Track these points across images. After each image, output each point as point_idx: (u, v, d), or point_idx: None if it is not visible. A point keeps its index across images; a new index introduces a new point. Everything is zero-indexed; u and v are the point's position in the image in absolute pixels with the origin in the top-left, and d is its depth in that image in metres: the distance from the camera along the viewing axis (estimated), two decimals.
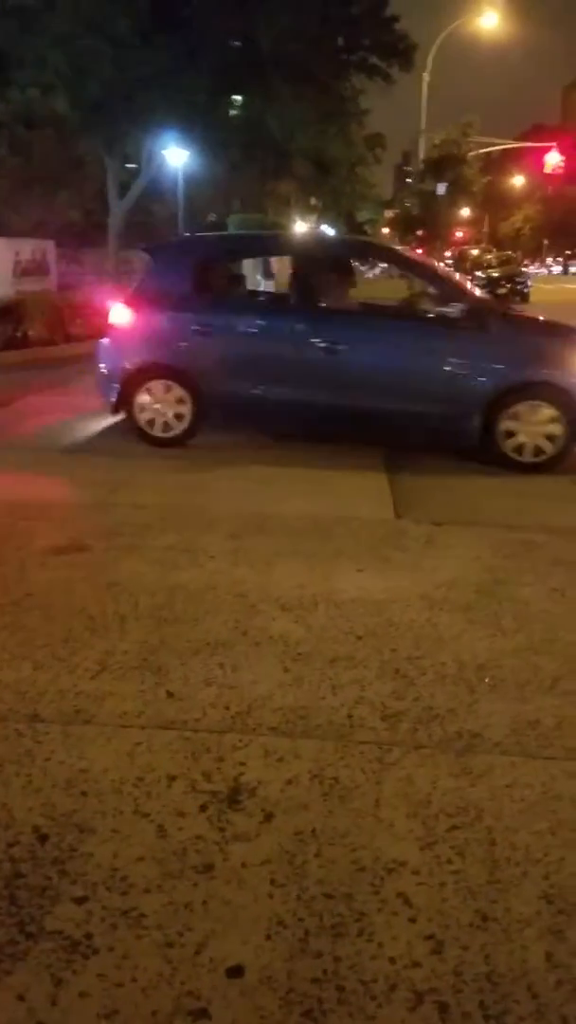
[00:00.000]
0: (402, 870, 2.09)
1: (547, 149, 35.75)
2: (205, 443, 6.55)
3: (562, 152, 34.28)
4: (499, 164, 45.61)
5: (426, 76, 36.18)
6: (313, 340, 6.16)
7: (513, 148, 39.63)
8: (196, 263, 6.64)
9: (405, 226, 40.06)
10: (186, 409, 6.45)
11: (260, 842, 2.18)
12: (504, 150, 39.56)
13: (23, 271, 13.19)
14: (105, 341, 6.76)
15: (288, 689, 2.93)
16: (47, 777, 2.43)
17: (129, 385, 6.49)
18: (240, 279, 8.49)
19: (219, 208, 35.21)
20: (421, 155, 38.89)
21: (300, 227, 40.65)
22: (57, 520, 4.71)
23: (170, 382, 6.44)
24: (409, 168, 46.15)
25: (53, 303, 12.86)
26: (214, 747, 2.58)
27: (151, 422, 6.50)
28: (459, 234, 35.36)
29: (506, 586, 3.88)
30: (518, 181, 45.61)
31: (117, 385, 6.52)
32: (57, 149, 14.23)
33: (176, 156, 29.36)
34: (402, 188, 51.47)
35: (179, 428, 6.50)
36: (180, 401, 6.45)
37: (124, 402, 6.54)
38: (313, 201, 41.50)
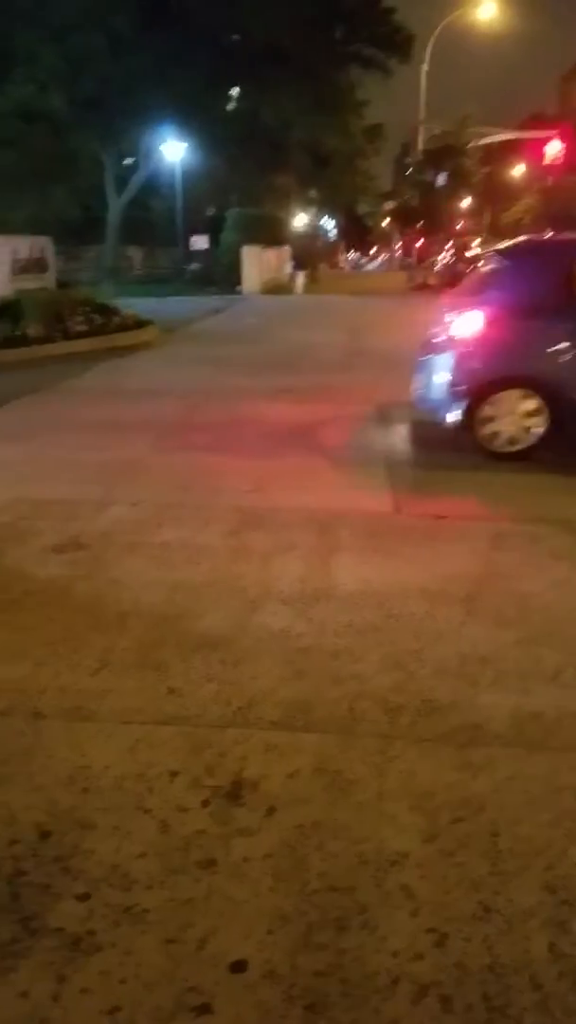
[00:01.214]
0: (405, 863, 2.09)
1: (547, 139, 35.60)
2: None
3: (563, 140, 34.13)
4: (499, 154, 45.43)
5: (424, 67, 36.07)
6: None
7: (513, 138, 39.46)
8: (564, 265, 6.03)
9: (405, 218, 39.90)
10: (538, 422, 5.99)
11: (262, 836, 2.18)
12: (503, 140, 39.39)
13: (22, 268, 13.16)
14: (444, 353, 6.25)
15: (289, 683, 2.93)
16: (48, 774, 2.43)
17: (477, 397, 6.04)
18: None
19: (217, 202, 35.11)
20: (420, 146, 38.76)
21: (300, 220, 40.59)
22: None
23: (527, 392, 5.98)
24: (409, 160, 45.90)
25: (51, 300, 12.83)
26: (215, 742, 2.58)
27: (494, 435, 6.08)
28: (460, 226, 35.21)
29: (507, 579, 3.87)
30: (518, 171, 45.40)
31: (462, 398, 6.04)
32: (53, 144, 14.20)
33: (173, 151, 29.30)
34: (402, 180, 51.28)
35: (527, 442, 6.05)
36: (533, 414, 6.00)
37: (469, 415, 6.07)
38: (312, 193, 41.39)
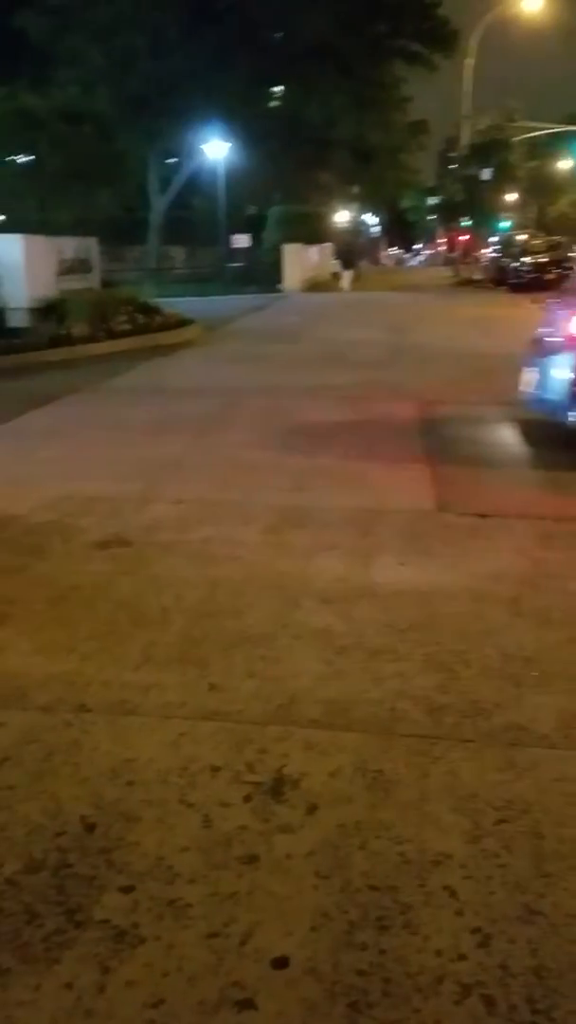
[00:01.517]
0: (448, 863, 2.08)
1: None
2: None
3: None
4: (545, 148, 44.82)
5: (469, 61, 35.72)
6: None
7: (560, 131, 38.90)
8: None
9: (449, 213, 39.57)
10: None
11: (304, 834, 2.18)
12: (550, 133, 38.86)
13: (67, 269, 13.32)
14: (565, 353, 6.04)
15: (330, 682, 2.92)
16: (94, 766, 2.46)
17: None
18: None
19: (259, 200, 35.17)
20: (464, 141, 38.42)
21: (342, 216, 40.45)
22: None
23: None
24: (453, 154, 45.52)
25: (96, 300, 12.98)
26: (257, 738, 2.59)
27: None
28: (504, 222, 34.79)
29: (553, 579, 3.82)
30: (565, 164, 44.75)
31: None
32: (98, 146, 14.35)
33: (216, 149, 29.39)
34: (446, 175, 50.89)
35: None
36: None
37: None
38: (354, 190, 41.25)
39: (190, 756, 2.51)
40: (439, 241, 51.15)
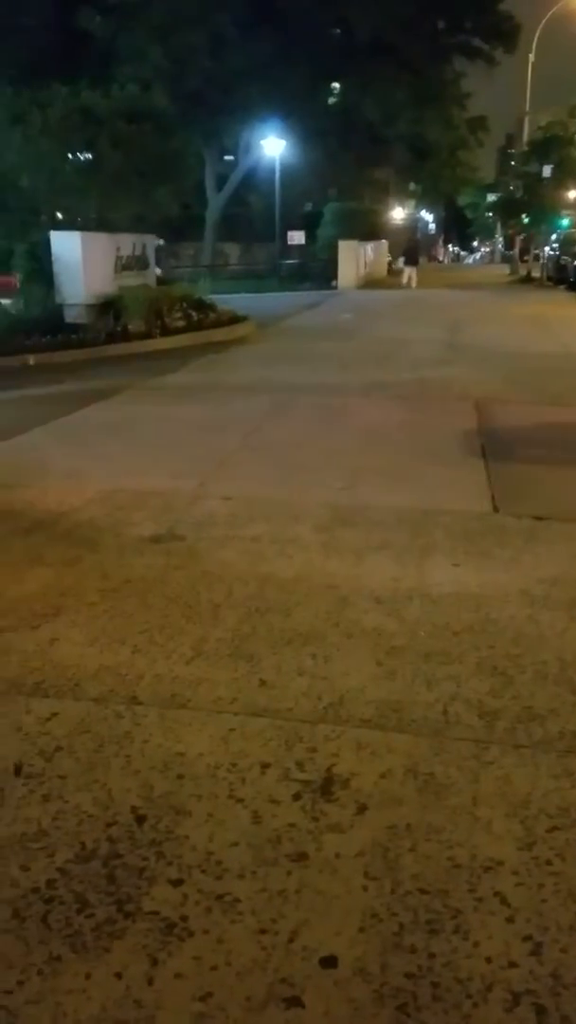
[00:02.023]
0: (500, 869, 2.05)
1: None
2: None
3: None
4: None
5: (531, 57, 35.21)
6: None
7: None
8: None
9: (508, 210, 39.02)
10: None
11: (354, 834, 2.17)
12: None
13: (124, 266, 13.46)
14: None
15: (381, 682, 2.91)
16: (145, 759, 2.48)
17: None
18: None
19: (315, 197, 35.12)
20: (525, 137, 37.86)
21: (398, 213, 40.18)
22: None
23: None
24: (513, 151, 44.89)
25: (151, 297, 13.09)
26: (307, 736, 2.59)
27: None
28: (564, 220, 34.12)
29: None
30: None
31: None
32: (156, 144, 14.47)
33: (273, 146, 29.44)
34: (505, 171, 50.21)
35: None
36: None
37: None
38: (412, 186, 40.94)
39: (240, 752, 2.52)
40: (497, 238, 50.46)
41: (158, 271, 16.17)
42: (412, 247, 31.54)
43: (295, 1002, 1.70)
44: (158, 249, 15.38)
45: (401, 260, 31.49)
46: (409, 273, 28.88)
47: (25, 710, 2.73)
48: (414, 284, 28.12)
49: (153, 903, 1.95)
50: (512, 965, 1.79)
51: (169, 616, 3.42)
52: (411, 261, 29.88)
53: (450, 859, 2.08)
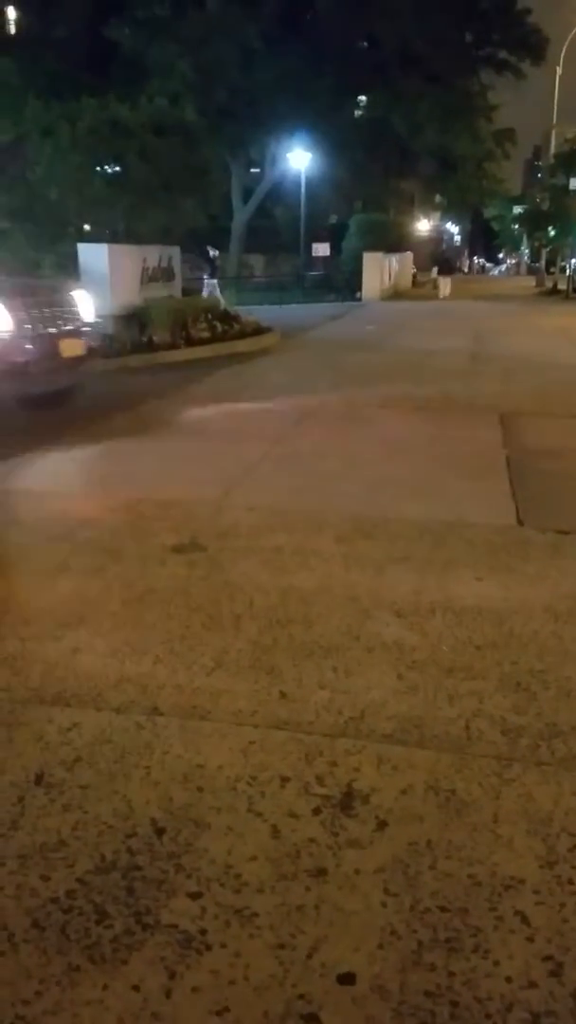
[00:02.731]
0: (521, 888, 2.03)
1: None
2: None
3: None
4: None
5: (558, 69, 35.17)
6: None
7: None
8: None
9: (534, 221, 38.89)
10: None
11: (374, 850, 2.16)
12: None
13: (150, 278, 13.57)
14: None
15: (402, 697, 2.89)
16: (165, 770, 2.48)
17: None
18: None
19: (340, 209, 35.22)
20: (552, 150, 37.77)
21: (424, 225, 40.17)
22: None
23: None
24: (540, 163, 44.82)
25: (176, 308, 13.19)
26: (327, 751, 2.58)
27: None
28: None
29: None
30: None
31: None
32: (183, 156, 14.60)
33: (299, 159, 29.57)
34: (532, 183, 50.12)
35: None
36: None
37: None
38: (438, 198, 40.94)
39: (260, 765, 2.51)
40: (523, 250, 50.30)
41: (214, 282, 16.25)
42: (445, 258, 32.05)
43: (312, 1019, 1.69)
44: (184, 260, 15.47)
45: (435, 270, 31.87)
46: (443, 282, 29.29)
47: (47, 719, 2.74)
48: (447, 292, 28.59)
49: (172, 915, 1.95)
50: (532, 985, 1.77)
51: (191, 626, 3.42)
52: (445, 271, 30.31)
53: (470, 877, 2.07)
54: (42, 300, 7.59)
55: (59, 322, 7.65)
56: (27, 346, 7.18)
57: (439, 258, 32.49)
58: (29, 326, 7.24)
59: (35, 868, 2.09)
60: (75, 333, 7.87)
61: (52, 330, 7.53)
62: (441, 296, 28.55)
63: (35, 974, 1.79)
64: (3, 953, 1.84)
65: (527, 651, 3.21)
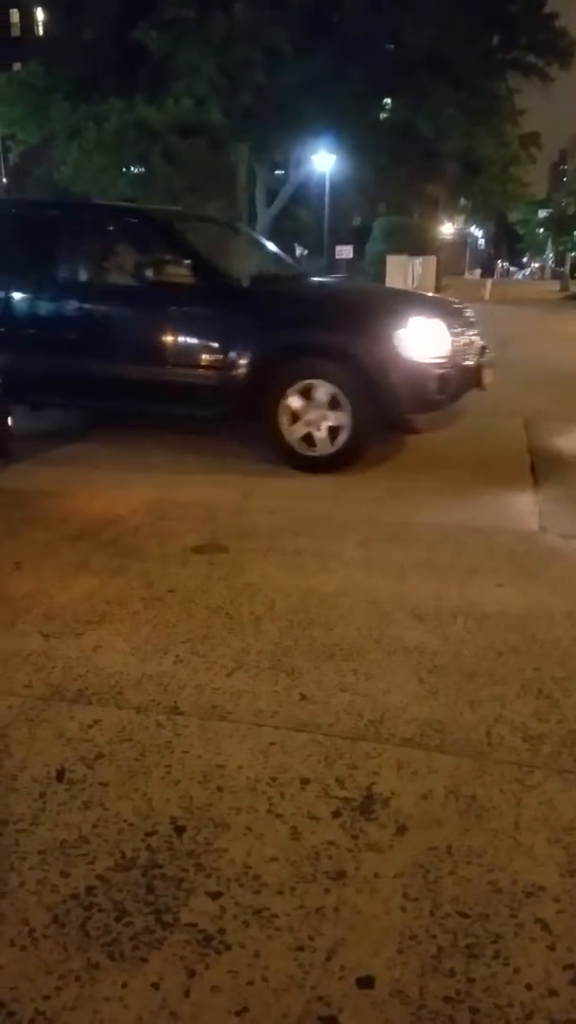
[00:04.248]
0: (542, 895, 2.02)
1: None
2: None
3: None
4: None
5: None
6: None
7: None
8: None
9: (559, 225, 38.73)
10: None
11: (393, 854, 2.15)
12: None
13: None
14: None
15: (423, 701, 2.88)
16: (185, 769, 2.49)
17: None
18: None
19: (364, 211, 35.21)
20: None
21: (447, 228, 40.12)
22: None
23: None
24: (566, 167, 44.68)
25: None
26: (347, 753, 2.58)
27: None
28: None
29: None
30: None
31: None
32: (209, 158, 14.69)
33: (323, 161, 29.60)
34: (558, 187, 49.98)
35: None
36: None
37: None
38: (462, 202, 40.83)
39: (280, 766, 2.51)
40: (548, 254, 50.10)
41: None
42: (487, 261, 32.56)
43: (331, 1021, 1.69)
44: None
45: (478, 272, 32.28)
46: (487, 284, 29.77)
47: (68, 716, 2.76)
48: (486, 295, 28.89)
49: (191, 915, 1.95)
50: (552, 993, 1.76)
51: (211, 627, 3.43)
52: (487, 272, 30.69)
53: (491, 883, 2.06)
54: (459, 321, 6.39)
55: (473, 347, 6.42)
56: (458, 375, 6.04)
57: (483, 262, 32.98)
58: (460, 353, 6.08)
59: (56, 864, 2.10)
60: (490, 361, 6.69)
61: (473, 357, 6.34)
62: (484, 297, 28.94)
63: (55, 970, 1.80)
64: (24, 948, 1.85)
65: (549, 658, 3.19)
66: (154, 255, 6.17)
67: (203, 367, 6.04)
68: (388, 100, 30.98)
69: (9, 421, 4.88)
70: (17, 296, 6.53)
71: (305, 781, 2.44)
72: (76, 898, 2.00)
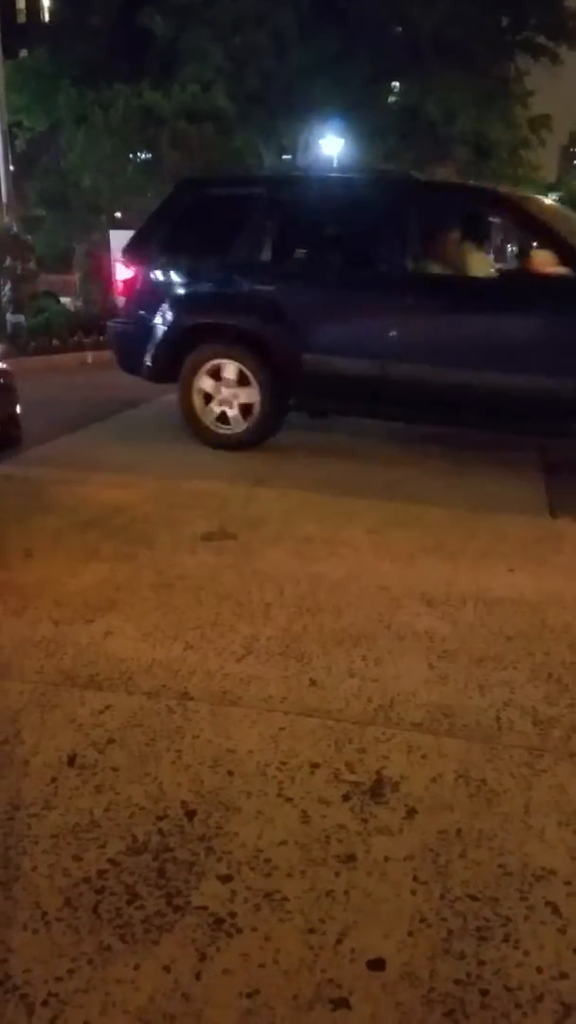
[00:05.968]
0: (552, 879, 2.02)
1: None
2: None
3: None
4: None
5: None
6: None
7: None
8: None
9: (570, 208, 38.39)
10: None
11: (403, 837, 2.16)
12: None
13: None
14: None
15: (433, 686, 2.88)
16: (195, 754, 2.50)
17: None
18: None
19: None
20: None
21: None
22: None
23: None
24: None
25: None
26: (356, 738, 2.58)
27: None
28: None
29: None
30: None
31: None
32: (216, 143, 14.62)
33: (331, 145, 29.39)
34: (568, 170, 49.63)
35: None
36: None
37: None
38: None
39: (290, 751, 2.52)
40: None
41: None
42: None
43: (342, 1003, 1.70)
44: None
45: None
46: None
47: (79, 702, 2.77)
48: None
49: (202, 898, 1.96)
50: (563, 976, 1.77)
51: (221, 613, 3.44)
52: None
53: (501, 866, 2.06)
54: None
55: None
56: None
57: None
58: None
59: (68, 848, 2.12)
60: None
61: None
62: None
63: (67, 952, 1.81)
64: (36, 931, 1.87)
65: (559, 642, 3.19)
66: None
67: None
68: (396, 83, 30.72)
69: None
70: (335, 288, 5.76)
71: (315, 765, 2.45)
72: (88, 881, 2.01)
